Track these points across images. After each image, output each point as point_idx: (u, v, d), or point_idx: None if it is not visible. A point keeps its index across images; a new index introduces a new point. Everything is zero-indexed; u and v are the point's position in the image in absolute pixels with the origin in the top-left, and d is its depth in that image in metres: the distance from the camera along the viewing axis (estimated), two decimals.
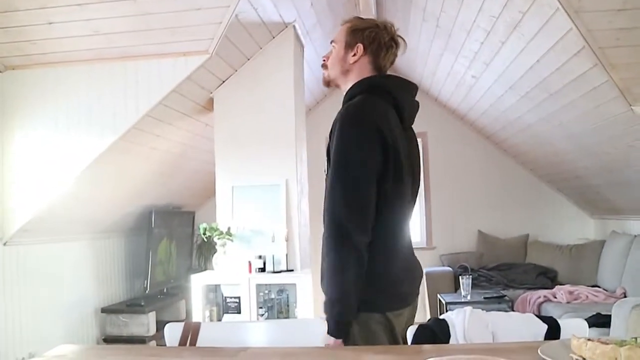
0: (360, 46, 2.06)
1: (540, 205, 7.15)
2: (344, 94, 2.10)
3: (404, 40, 2.12)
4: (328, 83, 2.20)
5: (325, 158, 2.09)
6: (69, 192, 4.17)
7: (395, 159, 1.90)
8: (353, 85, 2.06)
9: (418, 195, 2.18)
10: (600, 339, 1.41)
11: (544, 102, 4.74)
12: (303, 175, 5.23)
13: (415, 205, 2.16)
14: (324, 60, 2.17)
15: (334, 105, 7.21)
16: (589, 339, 1.40)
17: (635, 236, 5.54)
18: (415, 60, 6.10)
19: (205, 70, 4.45)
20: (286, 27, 4.95)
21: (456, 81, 5.79)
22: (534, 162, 6.77)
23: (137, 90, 4.14)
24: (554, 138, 5.42)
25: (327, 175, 2.04)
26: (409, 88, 2.12)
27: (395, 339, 1.86)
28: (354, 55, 2.07)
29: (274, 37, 4.97)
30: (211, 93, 5.01)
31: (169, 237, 5.95)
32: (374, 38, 2.06)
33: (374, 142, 1.88)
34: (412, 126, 2.15)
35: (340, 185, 1.91)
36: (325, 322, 1.84)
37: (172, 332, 1.96)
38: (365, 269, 1.85)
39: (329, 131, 2.01)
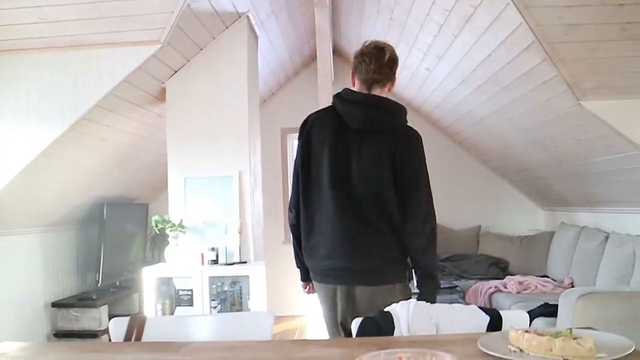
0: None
1: (493, 197, 7.26)
2: None
3: (382, 49, 2.58)
4: None
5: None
6: (17, 184, 4.08)
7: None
8: None
9: None
10: (537, 330, 1.43)
11: (496, 95, 4.80)
12: (257, 167, 5.21)
13: None
14: None
15: (289, 96, 7.22)
16: (526, 331, 1.42)
17: (583, 227, 5.67)
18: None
19: (156, 60, 4.37)
20: (240, 17, 4.90)
21: (410, 74, 5.82)
22: (486, 155, 6.87)
23: (87, 80, 4.07)
24: (506, 131, 5.50)
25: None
26: (359, 101, 2.59)
27: None
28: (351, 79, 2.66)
29: (227, 27, 4.92)
30: (163, 83, 4.93)
31: (122, 229, 5.87)
32: (354, 58, 2.62)
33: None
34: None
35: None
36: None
37: (117, 327, 1.92)
38: None
39: None
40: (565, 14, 3.16)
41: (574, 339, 1.36)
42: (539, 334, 1.38)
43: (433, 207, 2.58)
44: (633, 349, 1.37)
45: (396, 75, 2.65)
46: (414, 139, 2.60)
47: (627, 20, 3.10)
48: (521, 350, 1.40)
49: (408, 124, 2.66)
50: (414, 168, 2.55)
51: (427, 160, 2.63)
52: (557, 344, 1.34)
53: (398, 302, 1.87)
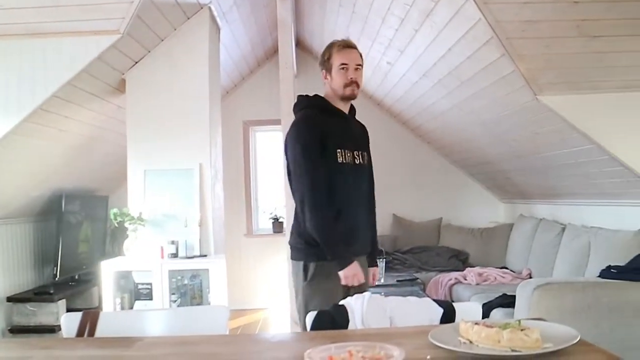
0: None
1: (454, 189, 7.34)
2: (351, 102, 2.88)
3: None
4: (355, 98, 2.82)
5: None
6: None
7: None
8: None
9: None
10: (486, 322, 1.46)
11: (456, 89, 4.85)
12: (218, 160, 5.18)
13: None
14: (356, 80, 2.76)
15: (252, 89, 7.16)
16: (475, 323, 1.45)
17: (541, 219, 5.77)
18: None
19: (116, 50, 4.31)
20: (201, 8, 4.86)
21: (372, 67, 5.84)
22: (447, 148, 6.94)
23: (44, 70, 4.00)
24: (466, 125, 5.56)
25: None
26: None
27: None
28: None
29: (188, 18, 4.87)
30: (123, 74, 4.86)
31: (81, 222, 5.78)
32: None
33: None
34: None
35: None
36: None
37: (70, 323, 1.90)
38: None
39: (365, 133, 3.02)
40: (523, 11, 3.21)
41: (522, 330, 1.39)
42: (487, 326, 1.41)
43: (301, 185, 2.70)
44: (578, 339, 1.40)
45: (324, 66, 2.84)
46: (291, 126, 2.84)
47: (582, 18, 3.17)
48: (471, 342, 1.43)
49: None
50: (289, 154, 2.80)
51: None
52: (505, 335, 1.36)
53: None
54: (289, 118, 4.41)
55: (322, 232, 2.65)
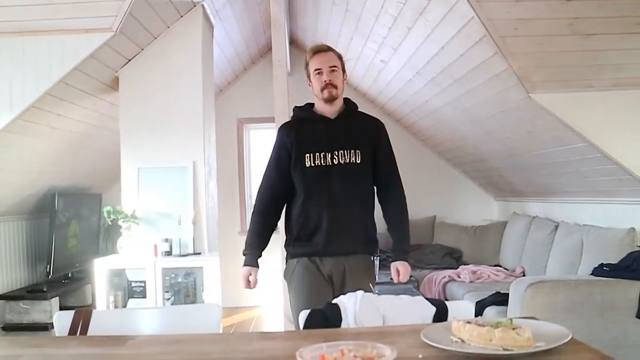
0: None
1: (447, 187, 7.36)
2: (339, 102, 2.92)
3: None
4: (335, 98, 2.86)
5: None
6: None
7: None
8: (349, 99, 3.02)
9: None
10: (477, 321, 1.46)
11: (449, 87, 4.86)
12: (211, 157, 5.17)
13: None
14: (331, 81, 2.82)
15: (246, 86, 7.14)
16: (467, 322, 1.45)
17: (534, 217, 5.79)
18: (325, 44, 6.11)
19: (109, 48, 4.30)
20: (194, 6, 4.84)
21: (366, 65, 5.85)
22: (441, 146, 6.95)
23: (37, 68, 4.00)
24: (460, 122, 5.57)
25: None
26: None
27: None
28: (345, 79, 2.93)
29: (182, 16, 4.85)
30: (116, 72, 4.85)
31: (75, 219, 5.77)
32: None
33: None
34: None
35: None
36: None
37: (62, 321, 1.90)
38: None
39: (371, 129, 3.04)
40: (515, 9, 3.21)
41: (513, 329, 1.39)
42: (479, 325, 1.41)
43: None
44: (570, 338, 1.41)
45: (306, 73, 2.95)
46: None
47: (574, 16, 3.17)
48: (462, 341, 1.43)
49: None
50: None
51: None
52: (496, 334, 1.37)
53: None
54: (282, 116, 4.45)
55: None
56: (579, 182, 4.73)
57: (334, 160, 2.80)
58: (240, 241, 7.42)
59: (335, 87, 2.83)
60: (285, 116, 4.36)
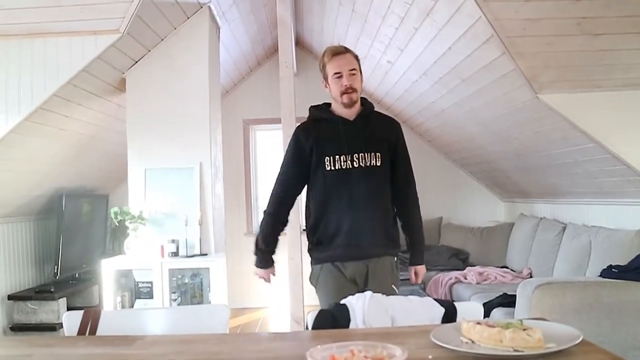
0: None
1: (454, 188, 7.34)
2: (358, 104, 2.86)
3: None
4: (355, 103, 2.83)
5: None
6: None
7: None
8: (365, 99, 2.93)
9: None
10: (488, 321, 1.45)
11: (456, 88, 4.84)
12: (218, 158, 5.17)
13: None
14: (351, 85, 2.77)
15: (252, 87, 7.15)
16: (477, 322, 1.44)
17: (541, 218, 5.76)
18: (332, 45, 6.10)
19: (116, 49, 4.32)
20: (201, 7, 4.85)
21: (372, 66, 5.84)
22: (447, 147, 6.93)
23: (45, 69, 4.01)
24: (466, 123, 5.55)
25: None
26: None
27: None
28: (362, 80, 2.86)
29: (188, 18, 4.86)
30: (123, 73, 4.86)
31: (81, 220, 5.78)
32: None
33: None
34: None
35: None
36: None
37: (71, 321, 1.90)
38: None
39: (389, 131, 2.97)
40: (523, 9, 3.20)
41: (524, 330, 1.38)
42: (490, 326, 1.40)
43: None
44: (581, 339, 1.40)
45: (322, 75, 2.89)
46: None
47: (582, 15, 3.16)
48: (473, 342, 1.42)
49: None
50: None
51: None
52: (507, 335, 1.36)
53: None
54: (288, 117, 4.44)
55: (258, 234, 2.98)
56: (587, 183, 4.71)
57: (354, 163, 2.77)
58: (246, 242, 7.46)
59: (355, 90, 2.79)
60: (292, 117, 4.35)
